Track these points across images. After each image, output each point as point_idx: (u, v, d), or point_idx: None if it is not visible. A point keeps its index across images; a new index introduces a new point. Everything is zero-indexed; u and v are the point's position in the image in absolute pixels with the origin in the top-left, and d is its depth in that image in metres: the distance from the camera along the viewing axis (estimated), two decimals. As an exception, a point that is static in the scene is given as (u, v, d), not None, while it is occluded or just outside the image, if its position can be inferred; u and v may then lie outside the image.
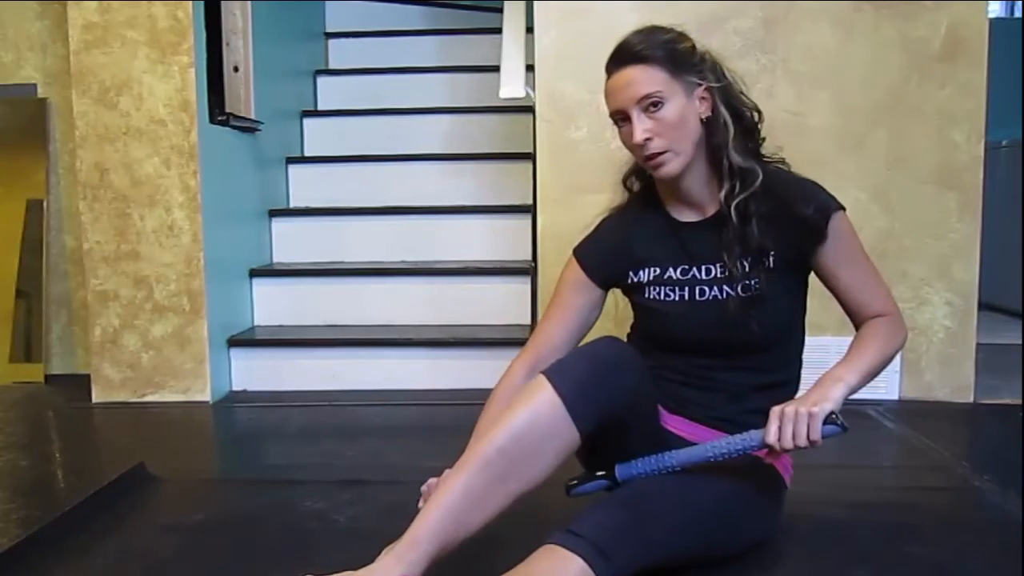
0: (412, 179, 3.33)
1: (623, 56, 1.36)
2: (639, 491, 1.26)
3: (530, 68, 2.61)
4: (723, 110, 1.36)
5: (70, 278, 3.00)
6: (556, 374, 1.23)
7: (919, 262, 2.47)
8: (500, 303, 2.85)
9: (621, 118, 1.37)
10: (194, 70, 2.47)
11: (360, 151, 3.44)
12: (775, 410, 1.27)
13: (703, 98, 1.36)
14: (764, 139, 1.43)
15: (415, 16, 4.33)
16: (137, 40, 2.47)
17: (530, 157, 2.80)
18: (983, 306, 2.61)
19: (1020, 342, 3.04)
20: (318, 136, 3.61)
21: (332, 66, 4.07)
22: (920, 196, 2.46)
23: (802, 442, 1.25)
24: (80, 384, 2.65)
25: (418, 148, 3.47)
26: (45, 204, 2.96)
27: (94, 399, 2.56)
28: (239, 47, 2.76)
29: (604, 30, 2.45)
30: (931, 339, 2.48)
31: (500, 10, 3.06)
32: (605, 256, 1.49)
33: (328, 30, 4.15)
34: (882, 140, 2.46)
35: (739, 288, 1.36)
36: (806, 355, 2.50)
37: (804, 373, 2.51)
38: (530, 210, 2.83)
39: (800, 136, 2.47)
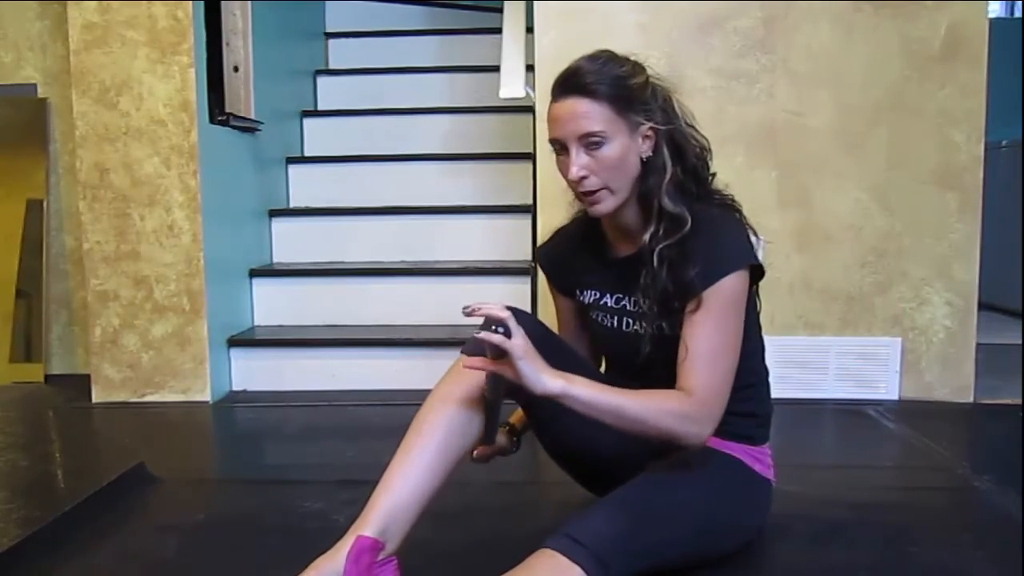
0: (412, 179, 3.33)
1: (570, 84, 1.30)
2: (638, 497, 1.26)
3: (530, 68, 2.61)
4: (665, 151, 1.32)
5: (70, 278, 3.00)
6: (464, 346, 1.31)
7: (919, 262, 2.47)
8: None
9: (559, 147, 1.33)
10: (194, 70, 2.47)
11: (360, 151, 3.44)
12: (519, 345, 1.15)
13: (647, 136, 1.32)
14: (714, 175, 1.40)
15: (415, 16, 4.33)
16: (137, 40, 2.47)
17: (530, 157, 2.80)
18: (983, 306, 2.61)
19: (1020, 342, 3.04)
20: (318, 136, 3.61)
21: (332, 66, 4.07)
22: (920, 196, 2.46)
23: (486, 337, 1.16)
24: (80, 384, 2.66)
25: (418, 148, 3.47)
26: (45, 204, 2.96)
27: (94, 399, 2.56)
28: (239, 47, 2.76)
29: (604, 30, 2.48)
30: (931, 339, 2.48)
31: (500, 10, 3.06)
32: (557, 264, 1.55)
33: (328, 30, 4.15)
34: (882, 140, 2.46)
35: (653, 327, 1.36)
36: (805, 355, 2.52)
37: (804, 373, 2.54)
38: (530, 210, 2.83)
39: (800, 136, 2.47)
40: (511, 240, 3.04)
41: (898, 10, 2.43)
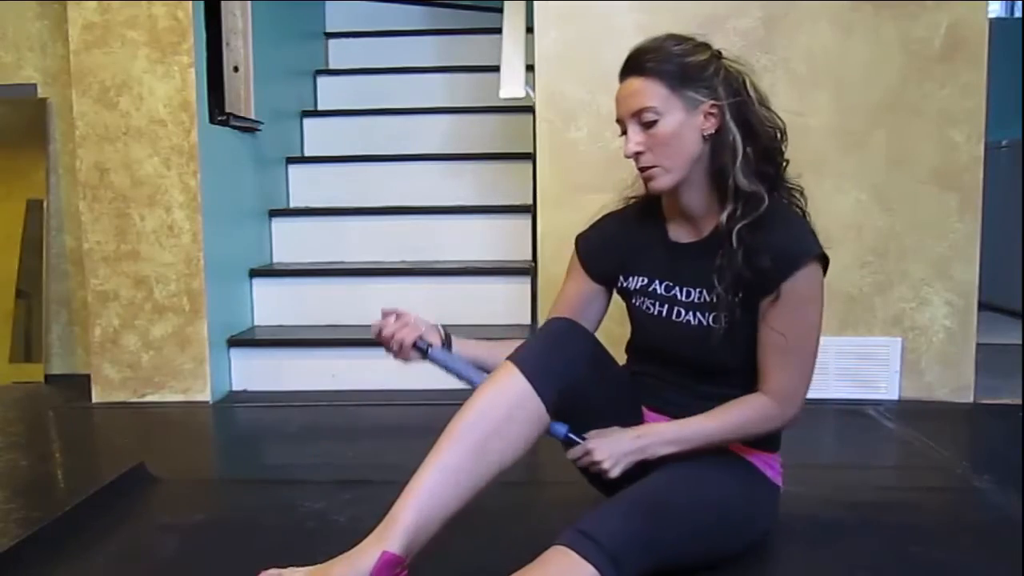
0: (412, 179, 3.33)
1: (629, 65, 1.35)
2: (653, 497, 1.26)
3: (530, 68, 2.61)
4: (733, 127, 1.32)
5: (70, 278, 3.00)
6: (515, 354, 1.30)
7: (919, 262, 2.47)
8: (500, 303, 2.85)
9: (621, 127, 1.37)
10: (194, 70, 2.47)
11: (360, 151, 3.44)
12: (593, 443, 1.30)
13: (710, 114, 1.32)
14: (787, 162, 1.39)
15: (415, 16, 4.33)
16: (137, 40, 2.47)
17: (530, 157, 2.80)
18: (983, 306, 2.61)
19: (1020, 342, 3.05)
20: (318, 136, 3.61)
21: (332, 66, 4.07)
22: (920, 196, 2.46)
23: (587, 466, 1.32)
24: (80, 384, 2.66)
25: (418, 148, 3.47)
26: (45, 204, 2.96)
27: (94, 399, 2.56)
28: (239, 47, 2.76)
29: (604, 30, 2.48)
30: (931, 339, 2.48)
31: (500, 10, 3.06)
32: (601, 250, 1.50)
33: (328, 30, 4.15)
34: (882, 140, 2.46)
35: (713, 318, 1.35)
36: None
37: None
38: (530, 210, 2.83)
39: (800, 136, 2.45)
40: (511, 240, 3.04)
41: (898, 10, 2.43)
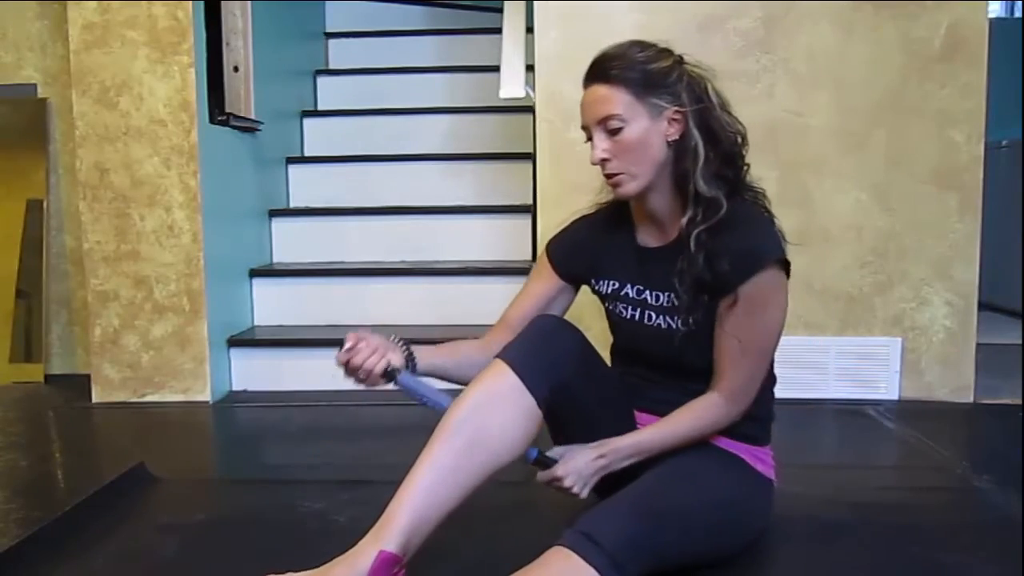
0: (412, 179, 3.33)
1: (593, 72, 1.36)
2: (652, 497, 1.26)
3: (530, 68, 2.61)
4: (695, 133, 1.33)
5: (70, 278, 3.00)
6: (504, 352, 1.31)
7: (919, 262, 2.47)
8: (500, 303, 2.81)
9: (587, 134, 1.38)
10: (194, 70, 2.47)
11: (360, 151, 3.44)
12: (560, 468, 1.31)
13: (673, 120, 1.33)
14: (748, 166, 1.40)
15: (415, 16, 4.33)
16: (137, 40, 2.47)
17: (530, 157, 2.80)
18: (983, 306, 2.61)
19: (1020, 342, 3.04)
20: (318, 136, 3.61)
21: (332, 66, 4.07)
22: (920, 196, 2.46)
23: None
24: (80, 384, 2.66)
25: (418, 148, 3.47)
26: (45, 204, 2.97)
27: (94, 399, 2.56)
28: (239, 47, 2.76)
29: (604, 30, 2.47)
30: (931, 339, 2.48)
31: (500, 10, 3.06)
32: (570, 252, 1.52)
33: (328, 30, 4.15)
34: (882, 140, 2.46)
35: (681, 321, 1.36)
36: (805, 355, 2.52)
37: (804, 373, 2.54)
38: (530, 210, 2.83)
39: (800, 136, 2.47)
40: (511, 240, 3.04)
41: (898, 10, 2.43)
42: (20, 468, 2.02)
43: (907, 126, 2.45)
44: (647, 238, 1.44)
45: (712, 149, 1.34)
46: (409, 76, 3.82)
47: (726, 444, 1.39)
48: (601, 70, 1.34)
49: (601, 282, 1.49)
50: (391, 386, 1.36)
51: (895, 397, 2.49)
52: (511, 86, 2.66)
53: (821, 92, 2.46)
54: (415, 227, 3.12)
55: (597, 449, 1.32)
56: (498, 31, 2.97)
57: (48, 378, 2.92)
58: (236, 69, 2.74)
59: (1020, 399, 2.43)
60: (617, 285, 1.46)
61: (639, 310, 1.43)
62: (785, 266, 1.33)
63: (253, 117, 2.85)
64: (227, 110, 2.65)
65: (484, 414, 1.25)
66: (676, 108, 1.33)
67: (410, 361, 1.41)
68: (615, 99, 1.31)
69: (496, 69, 2.77)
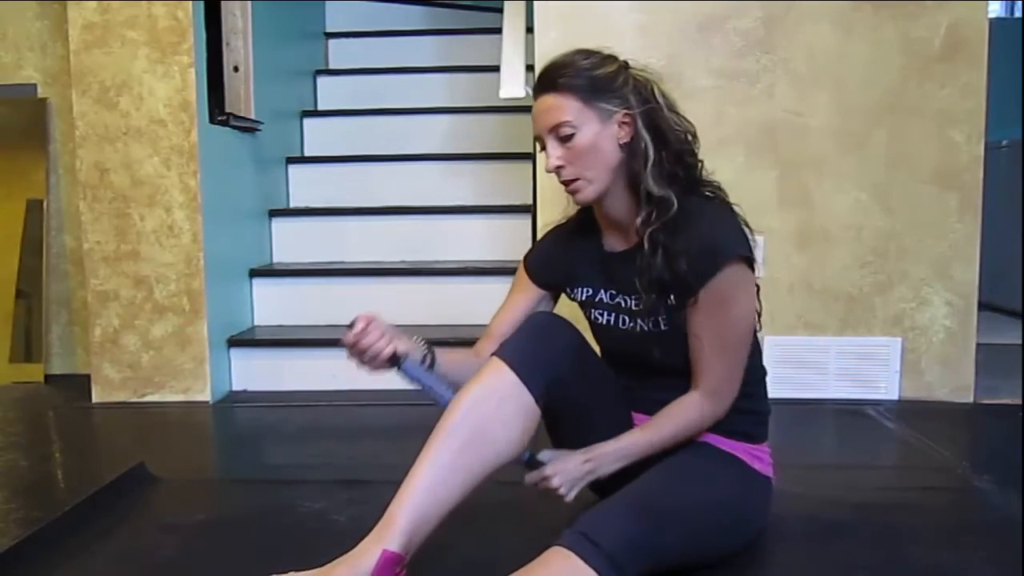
0: (412, 179, 3.33)
1: (541, 82, 1.37)
2: (651, 498, 1.26)
3: (530, 68, 2.61)
4: (645, 134, 1.34)
5: (70, 278, 3.00)
6: (500, 349, 1.33)
7: (919, 262, 2.47)
8: (500, 303, 2.84)
9: (540, 144, 1.39)
10: (194, 70, 2.47)
11: (360, 151, 3.44)
12: (549, 469, 1.31)
13: (623, 123, 1.34)
14: (701, 163, 1.40)
15: (415, 16, 4.33)
16: (137, 40, 2.47)
17: (530, 157, 2.80)
18: (983, 306, 2.61)
19: (1020, 342, 3.04)
20: (318, 136, 3.61)
21: (332, 66, 4.07)
22: (920, 196, 2.46)
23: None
24: (80, 384, 2.66)
25: (418, 148, 3.47)
26: (45, 204, 2.97)
27: (94, 399, 2.56)
28: (239, 47, 2.76)
29: (604, 30, 2.48)
30: (931, 339, 2.48)
31: (500, 10, 3.06)
32: (545, 263, 1.54)
33: (328, 30, 4.15)
34: (882, 140, 2.46)
35: (649, 323, 1.37)
36: (805, 355, 2.52)
37: (804, 373, 2.54)
38: (530, 210, 2.83)
39: (800, 136, 2.47)
40: (511, 240, 3.04)
41: (898, 10, 2.43)
42: (20, 468, 2.02)
43: (907, 126, 2.45)
44: (613, 243, 1.45)
45: (662, 149, 1.35)
46: (409, 76, 3.82)
47: (723, 444, 1.39)
48: (549, 80, 1.35)
49: (576, 290, 1.50)
50: (394, 373, 1.35)
51: (895, 397, 2.49)
52: (511, 86, 2.66)
53: (821, 92, 2.46)
54: (415, 227, 3.12)
55: (585, 454, 1.32)
56: (498, 31, 2.97)
57: (48, 378, 2.92)
58: (236, 69, 2.74)
59: (1020, 399, 2.43)
60: (591, 292, 1.47)
61: (614, 315, 1.43)
62: (748, 261, 1.33)
63: (253, 117, 2.85)
64: (227, 110, 2.65)
65: (482, 412, 1.26)
66: (625, 111, 1.34)
67: (429, 357, 1.42)
68: (565, 106, 1.33)
69: (496, 69, 2.77)
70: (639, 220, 1.35)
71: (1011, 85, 4.09)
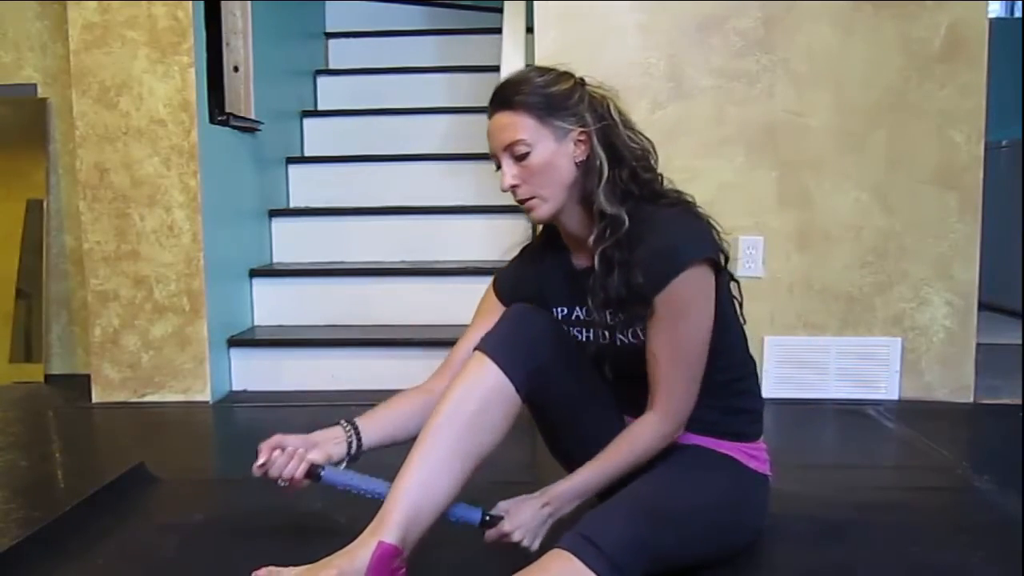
0: (412, 179, 3.33)
1: (495, 100, 1.36)
2: (651, 500, 1.26)
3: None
4: (600, 152, 1.33)
5: (70, 278, 3.00)
6: (482, 343, 1.33)
7: (919, 262, 2.47)
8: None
9: (496, 162, 1.38)
10: (194, 70, 2.47)
11: (360, 151, 3.44)
12: (507, 525, 1.27)
13: (579, 140, 1.33)
14: (660, 176, 1.38)
15: (415, 16, 4.33)
16: (137, 40, 2.47)
17: (530, 157, 2.80)
18: (983, 306, 2.61)
19: (1020, 342, 3.04)
20: (318, 136, 3.61)
21: (332, 66, 4.07)
22: (920, 196, 2.46)
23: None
24: (80, 384, 2.66)
25: (418, 148, 3.47)
26: (45, 204, 2.97)
27: (94, 399, 2.56)
28: (239, 47, 2.76)
29: (604, 30, 2.48)
30: (931, 339, 2.48)
31: (500, 10, 3.06)
32: (515, 285, 1.51)
33: (328, 30, 4.15)
34: (882, 140, 2.46)
35: (628, 334, 1.35)
36: (805, 355, 2.52)
37: (804, 373, 2.53)
38: (530, 210, 2.83)
39: (800, 136, 2.47)
40: (511, 240, 2.99)
41: (898, 10, 2.43)
42: (20, 468, 2.02)
43: (907, 126, 2.45)
44: (579, 260, 1.42)
45: (616, 166, 1.33)
46: (409, 76, 3.82)
47: (717, 446, 1.38)
48: (503, 97, 1.35)
49: (552, 310, 1.46)
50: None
51: (895, 397, 2.49)
52: (511, 86, 2.66)
53: (821, 92, 2.46)
54: (415, 227, 3.12)
55: (540, 498, 1.30)
56: (498, 31, 2.97)
57: (48, 378, 2.92)
58: (236, 69, 2.74)
59: (1020, 399, 2.43)
60: (566, 311, 1.44)
61: (592, 331, 1.40)
62: (711, 263, 1.31)
63: (253, 117, 2.85)
64: (227, 110, 2.65)
65: (468, 408, 1.27)
66: (580, 129, 1.33)
67: (354, 446, 1.42)
68: (519, 125, 1.32)
69: (496, 69, 2.77)
70: (591, 238, 1.34)
71: (1011, 85, 4.09)
